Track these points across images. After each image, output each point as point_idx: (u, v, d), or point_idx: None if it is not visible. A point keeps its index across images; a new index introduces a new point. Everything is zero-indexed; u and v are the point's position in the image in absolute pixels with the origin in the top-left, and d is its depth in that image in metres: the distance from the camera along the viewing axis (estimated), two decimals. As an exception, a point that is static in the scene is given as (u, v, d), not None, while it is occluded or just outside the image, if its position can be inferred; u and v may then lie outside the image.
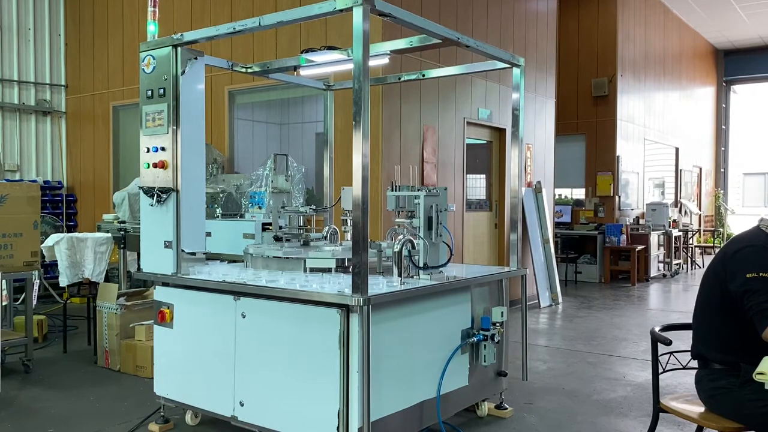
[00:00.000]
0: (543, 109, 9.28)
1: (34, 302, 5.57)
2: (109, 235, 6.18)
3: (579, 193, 12.54)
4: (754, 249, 2.69)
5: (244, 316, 3.59)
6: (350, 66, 3.26)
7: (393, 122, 6.60)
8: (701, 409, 2.90)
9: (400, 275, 3.64)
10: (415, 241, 3.73)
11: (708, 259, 14.16)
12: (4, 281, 5.21)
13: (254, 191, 5.19)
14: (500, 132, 8.44)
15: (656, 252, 12.19)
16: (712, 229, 17.55)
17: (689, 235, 14.25)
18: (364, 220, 3.07)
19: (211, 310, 3.76)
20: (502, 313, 4.09)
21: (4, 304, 5.37)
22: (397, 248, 3.66)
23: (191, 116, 3.91)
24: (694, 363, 2.98)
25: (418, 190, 3.83)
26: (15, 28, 9.47)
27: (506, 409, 4.40)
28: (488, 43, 5.44)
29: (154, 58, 3.85)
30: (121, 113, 9.33)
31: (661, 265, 12.57)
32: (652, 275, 11.92)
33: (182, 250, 3.86)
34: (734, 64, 17.95)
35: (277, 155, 5.23)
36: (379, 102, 6.38)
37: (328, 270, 3.90)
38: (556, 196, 11.24)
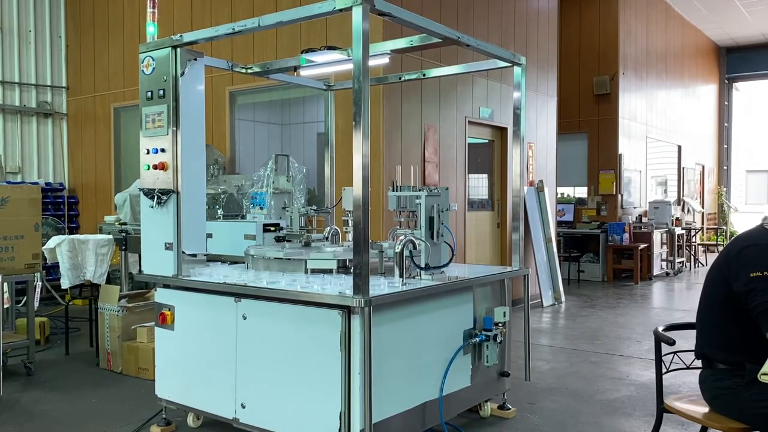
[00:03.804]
0: (545, 107, 9.25)
1: (36, 304, 5.58)
2: (111, 236, 6.17)
3: (581, 192, 12.51)
4: (758, 248, 2.67)
5: (245, 318, 3.58)
6: (350, 66, 3.25)
7: (394, 122, 6.58)
8: (705, 409, 2.88)
9: (401, 276, 3.62)
10: (417, 242, 3.72)
11: (711, 257, 14.13)
12: (5, 284, 5.20)
13: (255, 192, 5.18)
14: (502, 131, 8.42)
15: (659, 250, 12.16)
16: (715, 227, 17.51)
17: (692, 233, 14.22)
18: (365, 221, 3.05)
19: (212, 311, 3.75)
20: (504, 313, 4.07)
21: (5, 306, 5.37)
22: (398, 249, 3.64)
23: (191, 117, 3.89)
24: (698, 363, 2.96)
25: (420, 190, 3.82)
26: (16, 30, 9.47)
27: (509, 409, 4.38)
28: (489, 41, 5.42)
29: (153, 59, 3.83)
30: (122, 114, 9.33)
31: (664, 263, 12.54)
32: (655, 274, 11.89)
33: (183, 252, 3.85)
34: (736, 61, 17.89)
35: (278, 156, 5.22)
36: (380, 102, 6.37)
37: (330, 271, 3.88)
38: (559, 195, 11.21)
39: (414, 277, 3.70)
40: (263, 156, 7.46)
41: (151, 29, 3.93)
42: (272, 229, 4.63)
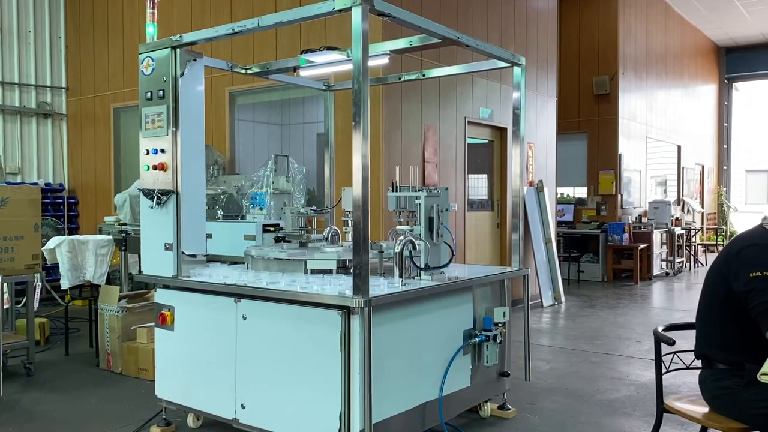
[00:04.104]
0: (544, 107, 9.25)
1: (36, 305, 5.57)
2: (110, 237, 6.17)
3: (581, 192, 12.52)
4: (757, 248, 2.67)
5: (245, 318, 3.58)
6: (350, 66, 3.25)
7: (394, 122, 6.58)
8: (705, 409, 2.88)
9: (401, 276, 3.62)
10: (416, 242, 3.72)
11: (711, 257, 14.12)
12: (5, 284, 5.20)
13: (255, 192, 5.18)
14: (501, 131, 8.41)
15: (659, 250, 12.16)
16: (715, 227, 17.51)
17: (692, 233, 14.21)
18: (365, 221, 3.05)
19: (211, 312, 3.74)
20: (504, 313, 4.07)
21: (5, 307, 5.36)
22: (398, 249, 3.64)
23: (191, 118, 3.89)
24: (698, 363, 2.96)
25: (419, 190, 3.82)
26: (15, 31, 9.47)
27: (509, 409, 4.38)
28: (489, 42, 5.42)
29: (153, 60, 3.83)
30: (122, 115, 9.33)
31: (664, 263, 12.54)
32: (655, 274, 11.89)
33: (183, 253, 3.85)
34: (736, 61, 17.90)
35: (277, 156, 5.22)
36: (379, 102, 6.37)
37: (329, 271, 3.88)
38: (558, 195, 11.21)
39: (414, 278, 3.70)
40: (263, 156, 7.47)
41: (151, 30, 3.93)
42: (272, 229, 4.63)
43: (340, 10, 3.12)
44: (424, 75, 4.95)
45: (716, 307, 2.83)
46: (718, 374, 2.80)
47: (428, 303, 3.64)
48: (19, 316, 6.04)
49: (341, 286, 3.37)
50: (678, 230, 12.81)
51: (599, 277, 11.45)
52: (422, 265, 3.71)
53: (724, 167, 18.35)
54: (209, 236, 4.46)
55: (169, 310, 3.94)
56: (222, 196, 6.40)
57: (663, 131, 13.97)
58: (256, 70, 4.75)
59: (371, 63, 3.93)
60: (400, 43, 4.14)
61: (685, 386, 4.82)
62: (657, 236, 12.01)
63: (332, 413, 3.17)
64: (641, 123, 12.85)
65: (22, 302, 6.37)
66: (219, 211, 6.11)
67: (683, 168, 15.04)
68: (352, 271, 3.14)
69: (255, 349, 3.54)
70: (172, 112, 3.76)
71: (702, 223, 16.59)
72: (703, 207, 16.54)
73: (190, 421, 4.09)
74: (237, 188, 6.51)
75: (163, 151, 3.80)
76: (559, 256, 9.64)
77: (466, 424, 4.19)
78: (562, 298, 9.12)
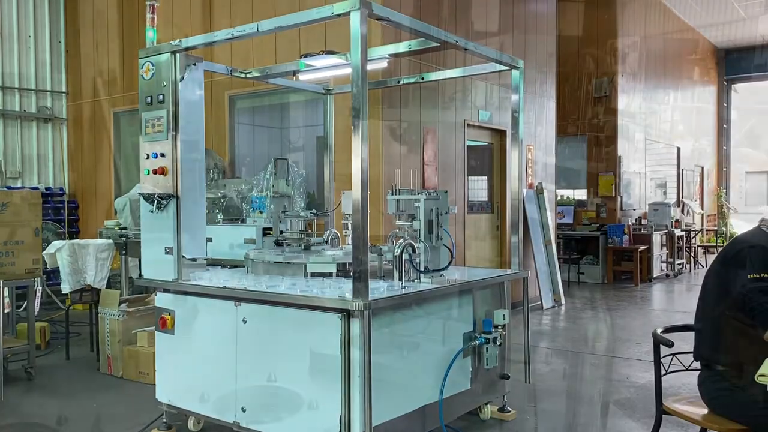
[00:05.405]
0: (543, 109, 9.27)
1: (37, 309, 5.58)
2: (111, 241, 6.18)
3: (581, 194, 12.52)
4: (755, 250, 2.68)
5: (245, 322, 3.58)
6: (349, 70, 3.26)
7: (393, 125, 6.59)
8: (704, 410, 2.89)
9: (401, 279, 3.63)
10: (416, 245, 3.73)
11: (711, 259, 14.11)
12: (6, 289, 5.21)
13: (255, 196, 5.19)
14: (501, 133, 8.42)
15: (659, 252, 12.16)
16: (715, 228, 17.51)
17: (692, 235, 14.21)
18: (364, 224, 3.06)
19: (212, 316, 3.75)
20: (504, 315, 4.08)
21: (6, 311, 5.37)
22: (397, 252, 3.65)
23: (191, 122, 3.90)
24: (697, 364, 2.97)
25: (419, 193, 3.83)
26: (15, 36, 9.49)
27: (509, 412, 4.38)
28: (488, 45, 5.43)
29: (153, 65, 3.85)
30: (122, 119, 9.34)
31: (664, 265, 12.53)
32: (654, 275, 11.88)
33: (183, 256, 3.86)
34: (735, 62, 17.93)
35: (277, 159, 5.23)
36: (379, 105, 6.38)
37: (329, 275, 3.89)
38: (558, 197, 11.22)
39: (413, 281, 3.70)
40: (263, 160, 7.47)
41: (151, 35, 3.95)
42: (272, 233, 4.63)
43: (338, 15, 3.14)
44: (423, 78, 4.97)
45: (714, 309, 2.84)
46: (717, 376, 2.81)
47: (428, 306, 3.64)
48: (20, 321, 6.04)
49: (341, 290, 3.38)
50: (678, 232, 12.81)
51: (599, 279, 11.45)
52: (422, 268, 3.72)
53: (724, 168, 18.36)
54: (209, 240, 4.46)
55: (169, 314, 3.95)
56: (222, 200, 6.41)
57: (662, 133, 13.98)
58: (256, 74, 4.76)
59: (370, 67, 3.94)
60: (399, 47, 4.16)
61: (684, 388, 4.81)
62: (657, 238, 12.00)
63: (332, 416, 3.17)
64: (640, 125, 12.86)
65: (23, 306, 6.38)
66: (219, 215, 6.11)
67: (683, 170, 15.04)
68: (351, 274, 3.15)
69: (255, 352, 3.55)
70: (172, 116, 3.77)
71: (702, 225, 16.60)
72: (702, 208, 16.55)
73: (191, 424, 4.09)
74: (237, 192, 6.51)
75: (163, 155, 3.81)
76: (558, 258, 9.64)
77: (467, 426, 4.20)
78: (562, 300, 9.12)
